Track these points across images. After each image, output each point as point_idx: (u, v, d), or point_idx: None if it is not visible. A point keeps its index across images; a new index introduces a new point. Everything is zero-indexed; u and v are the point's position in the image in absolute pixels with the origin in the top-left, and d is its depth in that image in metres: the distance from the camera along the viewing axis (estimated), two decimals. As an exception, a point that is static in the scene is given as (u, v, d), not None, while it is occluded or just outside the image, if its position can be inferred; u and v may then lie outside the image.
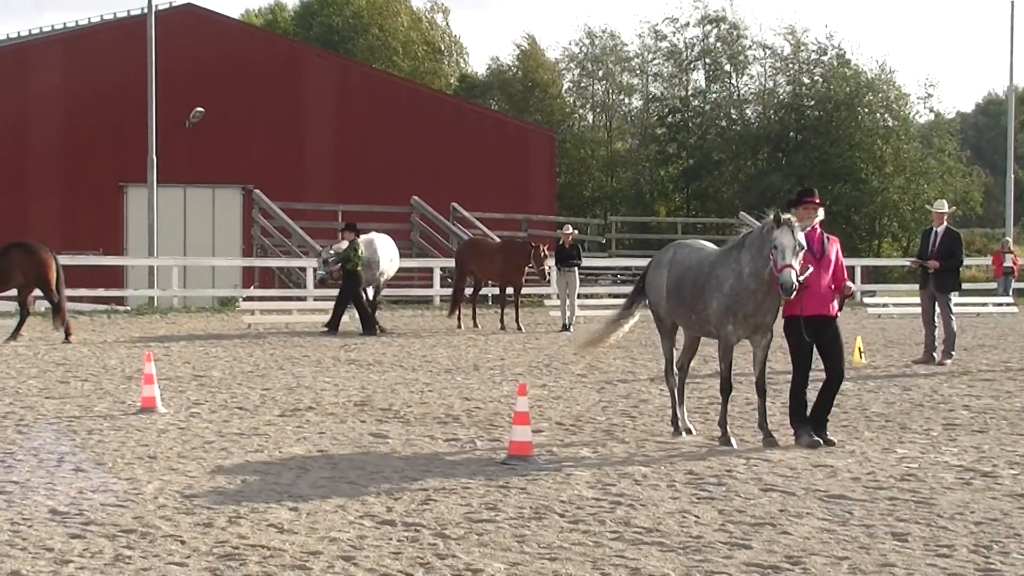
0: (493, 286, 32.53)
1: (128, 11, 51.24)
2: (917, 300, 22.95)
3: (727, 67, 71.85)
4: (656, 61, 74.21)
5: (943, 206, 21.77)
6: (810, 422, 12.68)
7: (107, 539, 8.80)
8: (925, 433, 13.70)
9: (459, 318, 28.33)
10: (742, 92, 72.50)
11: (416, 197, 45.63)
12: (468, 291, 29.49)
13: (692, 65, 72.48)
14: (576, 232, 31.31)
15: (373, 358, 21.63)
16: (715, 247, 13.53)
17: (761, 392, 12.80)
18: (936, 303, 21.31)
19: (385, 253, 27.80)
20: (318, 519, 9.45)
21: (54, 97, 46.21)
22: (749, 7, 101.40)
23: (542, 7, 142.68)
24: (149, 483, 10.68)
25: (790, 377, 12.88)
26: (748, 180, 67.65)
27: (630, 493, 10.42)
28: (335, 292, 27.65)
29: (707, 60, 71.86)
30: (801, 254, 12.25)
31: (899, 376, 19.19)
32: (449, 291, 32.29)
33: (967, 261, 31.46)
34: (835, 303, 12.72)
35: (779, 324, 12.78)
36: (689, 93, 72.24)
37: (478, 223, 44.74)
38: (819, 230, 12.71)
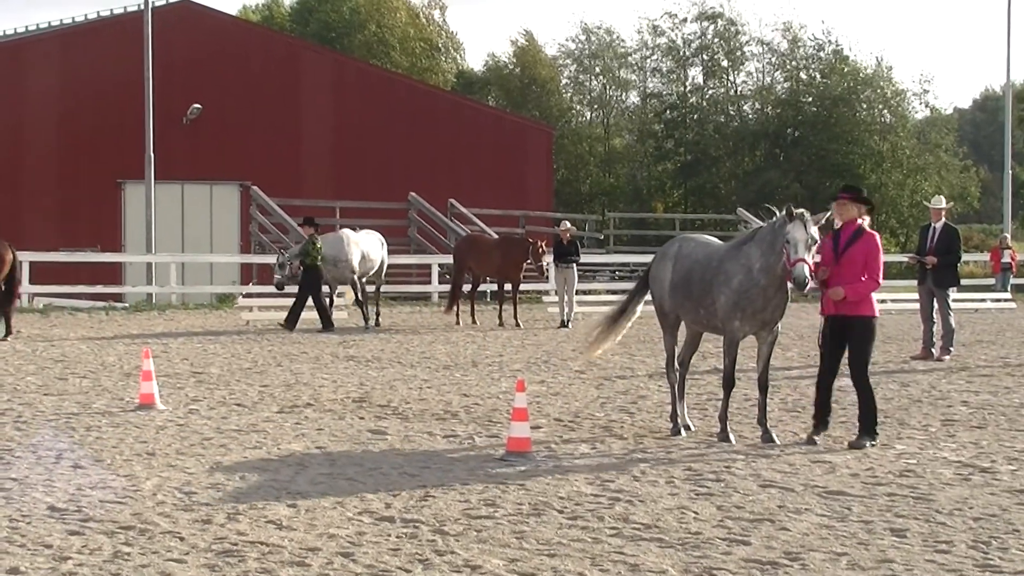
0: (491, 282, 32.52)
1: (124, 7, 51.21)
2: (915, 296, 22.92)
3: (724, 63, 71.86)
4: (654, 57, 74.25)
5: (940, 202, 21.76)
6: (825, 424, 12.62)
7: (106, 536, 8.79)
8: (924, 429, 13.70)
9: (457, 314, 28.33)
10: (739, 88, 72.52)
11: (413, 193, 45.61)
12: (466, 287, 29.49)
13: (690, 61, 72.47)
14: (574, 228, 31.27)
15: (371, 354, 21.62)
16: (721, 242, 13.47)
17: (763, 388, 12.77)
18: (934, 299, 21.31)
19: (356, 250, 27.46)
20: (316, 515, 9.45)
21: (51, 94, 46.20)
22: (747, 3, 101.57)
23: (538, 3, 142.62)
24: (147, 480, 10.68)
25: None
26: (746, 176, 67.69)
27: (629, 489, 10.42)
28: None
29: (704, 56, 71.86)
30: (814, 248, 12.18)
31: (897, 372, 19.19)
32: (447, 287, 32.27)
33: (965, 257, 31.43)
34: (863, 302, 12.49)
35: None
36: (687, 89, 72.23)
37: (476, 219, 44.71)
38: (857, 226, 12.49)
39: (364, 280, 27.95)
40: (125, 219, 46.67)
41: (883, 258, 12.54)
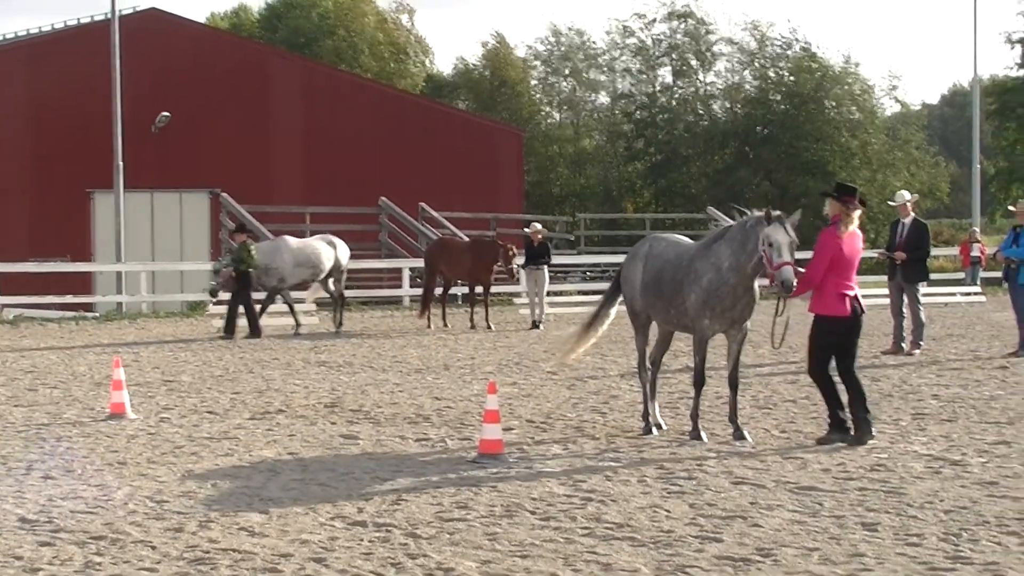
0: (463, 285, 32.49)
1: (92, 16, 51.06)
2: (885, 291, 23.02)
3: (694, 63, 71.97)
4: (623, 58, 74.33)
5: (903, 197, 21.87)
6: (842, 424, 12.62)
7: (77, 546, 8.76)
8: (894, 423, 13.76)
9: (429, 318, 28.30)
10: (709, 88, 72.65)
11: (384, 198, 45.54)
12: (438, 291, 29.47)
13: (659, 61, 72.56)
14: (545, 230, 31.27)
15: (343, 360, 21.60)
16: (692, 241, 13.51)
17: (733, 386, 12.83)
18: (904, 294, 21.41)
19: (289, 258, 27.33)
20: (289, 521, 9.44)
21: (19, 104, 45.94)
22: (715, 2, 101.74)
23: (506, 7, 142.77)
24: (119, 489, 10.65)
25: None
26: (716, 175, 67.78)
27: (601, 489, 10.44)
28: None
29: (674, 56, 71.95)
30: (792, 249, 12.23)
31: (868, 367, 19.24)
32: (418, 291, 32.21)
33: (935, 252, 31.57)
34: (814, 300, 12.58)
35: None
36: (657, 89, 72.33)
37: (447, 223, 44.66)
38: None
39: (318, 284, 28.03)
40: (95, 228, 46.44)
41: (826, 255, 12.48)
